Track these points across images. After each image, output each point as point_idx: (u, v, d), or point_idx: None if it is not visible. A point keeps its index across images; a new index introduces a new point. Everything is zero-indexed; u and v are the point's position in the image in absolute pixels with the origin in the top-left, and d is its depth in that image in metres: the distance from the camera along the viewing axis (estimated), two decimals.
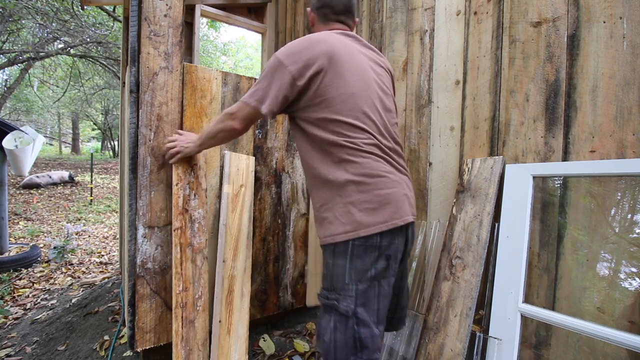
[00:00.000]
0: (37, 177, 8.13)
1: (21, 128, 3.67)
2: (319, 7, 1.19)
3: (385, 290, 1.01)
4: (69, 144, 20.15)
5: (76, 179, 9.37)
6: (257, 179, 1.70)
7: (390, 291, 1.03)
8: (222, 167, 1.56)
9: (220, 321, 1.40)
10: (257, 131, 1.69)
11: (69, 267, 3.61)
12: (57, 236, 4.91)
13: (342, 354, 0.95)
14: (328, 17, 1.18)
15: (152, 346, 1.39)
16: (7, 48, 8.22)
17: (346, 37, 1.11)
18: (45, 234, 5.08)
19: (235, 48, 17.10)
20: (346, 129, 0.99)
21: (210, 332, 1.41)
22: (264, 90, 1.02)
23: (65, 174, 8.90)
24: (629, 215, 1.09)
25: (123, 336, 1.82)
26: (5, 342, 2.04)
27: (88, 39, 7.87)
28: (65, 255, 3.75)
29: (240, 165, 1.57)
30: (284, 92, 1.00)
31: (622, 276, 1.08)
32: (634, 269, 1.05)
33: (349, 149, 0.98)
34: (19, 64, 8.63)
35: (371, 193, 0.97)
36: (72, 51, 8.30)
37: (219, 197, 1.56)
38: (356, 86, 1.01)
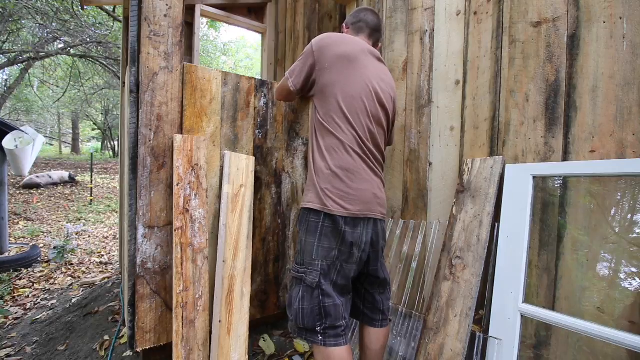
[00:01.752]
0: (37, 177, 8.13)
1: (21, 128, 3.67)
2: (355, 22, 1.41)
3: (345, 273, 1.16)
4: (69, 144, 20.15)
5: (76, 179, 9.37)
6: (257, 179, 1.70)
7: (349, 274, 1.17)
8: (222, 167, 1.56)
9: (220, 321, 1.40)
10: (257, 131, 1.69)
11: (69, 267, 3.61)
12: (57, 236, 4.91)
13: (309, 320, 1.10)
14: (362, 30, 1.39)
15: (152, 346, 1.39)
16: (7, 48, 8.21)
17: (369, 50, 1.30)
18: (45, 234, 5.08)
19: (235, 48, 17.10)
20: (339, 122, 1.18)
21: (210, 332, 1.41)
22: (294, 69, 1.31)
23: (65, 174, 8.90)
24: (629, 215, 1.09)
25: (123, 336, 1.82)
26: (5, 342, 2.04)
27: (88, 39, 7.87)
28: (65, 255, 3.75)
29: (240, 165, 1.57)
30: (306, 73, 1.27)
31: (622, 276, 1.08)
32: (634, 269, 1.05)
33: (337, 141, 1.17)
34: (19, 64, 8.64)
35: (345, 184, 1.14)
36: (72, 51, 8.30)
37: (219, 197, 1.56)
38: (358, 91, 1.20)
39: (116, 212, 6.75)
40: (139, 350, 1.36)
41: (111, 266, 3.68)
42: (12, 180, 8.06)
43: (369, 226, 1.19)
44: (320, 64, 1.21)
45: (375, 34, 1.41)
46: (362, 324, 1.33)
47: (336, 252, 1.13)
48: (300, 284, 1.14)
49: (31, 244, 4.09)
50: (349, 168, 1.15)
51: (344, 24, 1.46)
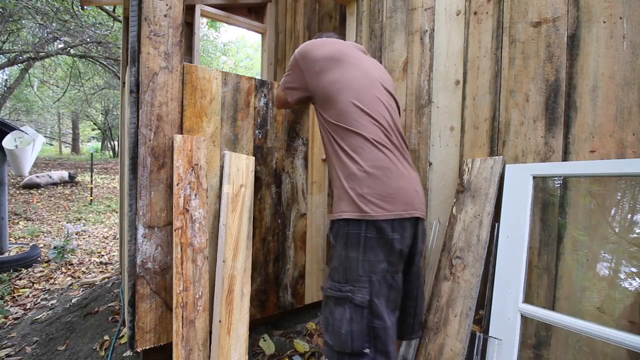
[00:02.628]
0: (37, 177, 8.13)
1: (21, 128, 3.67)
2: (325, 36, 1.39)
3: (397, 284, 1.05)
4: (69, 144, 20.14)
5: (77, 179, 9.36)
6: (257, 179, 1.70)
7: (401, 285, 1.07)
8: (222, 167, 1.56)
9: (220, 321, 1.40)
10: (257, 131, 1.69)
11: (69, 267, 3.61)
12: (57, 236, 4.91)
13: (358, 343, 0.97)
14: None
15: (152, 346, 1.39)
16: (7, 48, 8.21)
17: (353, 45, 1.27)
18: (45, 234, 5.08)
19: (235, 48, 17.10)
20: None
21: (210, 332, 1.41)
22: None
23: (64, 174, 8.90)
24: (629, 215, 1.10)
25: (123, 336, 1.82)
26: (5, 342, 2.04)
27: (88, 39, 7.87)
28: (65, 255, 3.75)
29: (240, 165, 1.57)
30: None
31: (622, 276, 1.09)
32: (634, 269, 1.05)
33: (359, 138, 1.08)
34: (19, 64, 8.63)
35: (384, 184, 1.02)
36: (72, 51, 8.30)
37: (219, 197, 1.56)
38: (363, 83, 1.14)
39: (116, 212, 6.75)
40: (139, 350, 1.35)
41: (111, 266, 3.68)
42: (12, 180, 8.06)
43: (413, 227, 1.08)
44: (310, 71, 1.17)
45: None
46: None
47: (385, 264, 1.01)
48: (345, 304, 1.00)
49: (31, 244, 4.09)
50: (384, 165, 1.04)
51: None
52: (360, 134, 1.06)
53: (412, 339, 1.24)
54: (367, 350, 0.97)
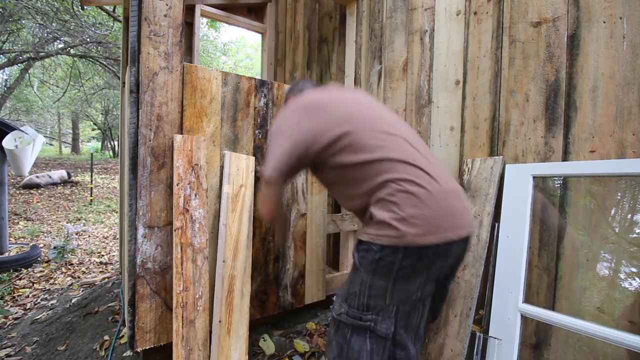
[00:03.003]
0: (37, 177, 8.13)
1: (21, 128, 3.67)
2: (298, 90, 1.30)
3: (425, 310, 0.96)
4: (69, 144, 20.14)
5: (76, 179, 9.36)
6: (257, 179, 1.70)
7: (427, 310, 0.98)
8: (222, 167, 1.56)
9: (220, 321, 1.40)
10: (257, 131, 1.69)
11: (69, 267, 3.61)
12: (57, 236, 4.91)
13: None
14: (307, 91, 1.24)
15: (152, 346, 1.39)
16: (7, 48, 8.21)
17: (324, 89, 1.16)
18: (45, 234, 5.07)
19: (235, 48, 17.09)
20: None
21: (210, 332, 1.41)
22: None
23: (64, 173, 8.90)
24: (629, 215, 1.10)
25: (123, 336, 1.82)
26: (5, 342, 2.04)
27: (88, 39, 7.87)
28: (65, 255, 3.75)
29: (240, 165, 1.57)
30: None
31: (622, 276, 1.09)
32: (634, 269, 1.05)
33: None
34: (19, 64, 8.63)
35: (426, 204, 0.86)
36: (72, 51, 8.29)
37: (219, 197, 1.56)
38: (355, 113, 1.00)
39: (116, 212, 6.75)
40: (139, 350, 1.35)
41: (111, 266, 3.68)
42: (12, 180, 8.06)
43: (460, 247, 0.93)
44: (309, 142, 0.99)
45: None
46: None
47: (419, 293, 0.90)
48: (365, 334, 0.89)
49: (31, 244, 4.09)
50: (423, 183, 0.87)
51: (289, 95, 1.35)
52: (386, 157, 0.91)
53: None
54: None
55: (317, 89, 1.20)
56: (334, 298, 1.03)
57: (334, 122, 0.96)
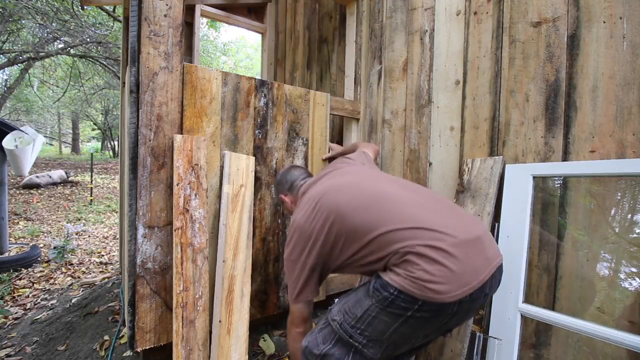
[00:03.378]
0: (37, 177, 8.13)
1: (21, 128, 3.67)
2: (289, 188, 1.33)
3: (420, 342, 0.95)
4: (69, 144, 20.14)
5: (76, 179, 9.36)
6: (257, 179, 1.70)
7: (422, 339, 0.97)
8: (222, 167, 1.56)
9: (220, 321, 1.40)
10: (257, 131, 1.69)
11: (69, 267, 3.61)
12: (57, 236, 4.91)
13: None
14: (297, 188, 1.30)
15: (152, 346, 1.39)
16: (7, 48, 8.21)
17: (314, 181, 1.21)
18: (45, 234, 5.07)
19: (235, 48, 17.10)
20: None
21: (210, 332, 1.41)
22: None
23: (62, 173, 8.90)
24: (629, 215, 1.10)
25: (123, 336, 1.82)
26: (5, 342, 2.04)
27: (88, 39, 7.87)
28: (65, 255, 3.75)
29: (240, 165, 1.57)
30: None
31: (622, 276, 1.09)
32: (634, 269, 1.05)
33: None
34: (19, 64, 8.63)
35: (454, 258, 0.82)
36: (72, 51, 8.30)
37: (219, 197, 1.56)
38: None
39: (116, 212, 6.75)
40: (139, 350, 1.35)
41: (111, 266, 3.68)
42: (12, 180, 8.06)
43: (487, 289, 0.87)
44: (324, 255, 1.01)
45: (309, 176, 1.34)
46: None
47: (421, 340, 0.91)
48: (350, 349, 0.90)
49: (31, 244, 4.09)
50: (435, 244, 0.82)
51: (280, 196, 1.39)
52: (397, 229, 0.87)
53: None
54: None
55: (304, 186, 1.25)
56: (336, 300, 1.03)
57: (330, 239, 0.97)
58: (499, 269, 0.90)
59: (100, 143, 20.05)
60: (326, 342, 0.94)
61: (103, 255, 4.11)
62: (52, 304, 2.61)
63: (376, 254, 0.88)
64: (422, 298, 0.78)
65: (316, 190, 1.10)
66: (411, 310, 0.81)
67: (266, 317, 1.80)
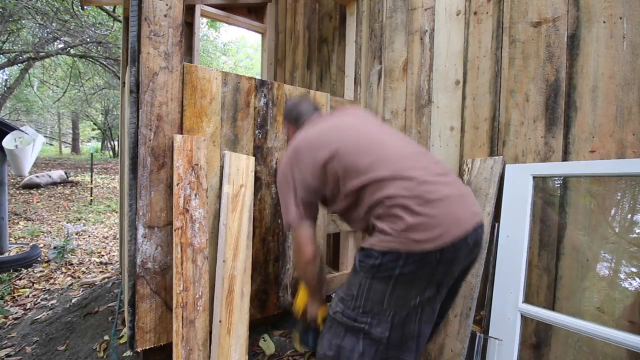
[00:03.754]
0: (37, 177, 8.13)
1: (21, 128, 3.67)
2: (295, 118, 1.30)
3: (429, 317, 0.93)
4: (69, 144, 20.14)
5: (76, 179, 9.36)
6: (257, 179, 1.70)
7: (434, 317, 0.95)
8: (222, 167, 1.56)
9: (220, 321, 1.40)
10: (257, 131, 1.69)
11: (69, 267, 3.61)
12: (57, 236, 4.91)
13: None
14: (303, 120, 1.27)
15: (152, 346, 1.39)
16: (7, 48, 8.21)
17: (329, 117, 1.18)
18: (45, 234, 5.07)
19: (235, 48, 17.09)
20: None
21: (210, 332, 1.41)
22: None
23: (62, 173, 8.90)
24: (629, 215, 1.10)
25: (123, 336, 1.82)
26: (5, 342, 2.04)
27: (88, 39, 7.87)
28: (65, 255, 3.75)
29: (240, 165, 1.57)
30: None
31: (622, 276, 1.09)
32: (634, 269, 1.05)
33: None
34: (19, 64, 8.63)
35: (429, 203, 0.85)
36: (72, 51, 8.30)
37: (219, 197, 1.56)
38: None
39: (116, 212, 6.75)
40: (139, 350, 1.35)
41: (111, 266, 3.68)
42: (12, 180, 8.06)
43: (471, 241, 0.87)
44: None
45: (316, 111, 1.30)
46: None
47: (418, 299, 0.88)
48: (359, 336, 0.89)
49: (31, 244, 4.09)
50: (419, 193, 0.86)
51: (285, 122, 1.37)
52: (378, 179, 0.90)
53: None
54: None
55: (311, 119, 1.24)
56: (333, 296, 1.02)
57: (329, 166, 0.98)
58: (482, 227, 0.92)
59: (100, 143, 20.05)
60: (336, 338, 0.93)
61: (103, 255, 4.11)
62: (52, 304, 2.61)
63: (365, 204, 0.92)
64: (405, 250, 0.82)
65: (323, 124, 1.12)
66: (398, 268, 0.83)
67: (266, 317, 1.80)
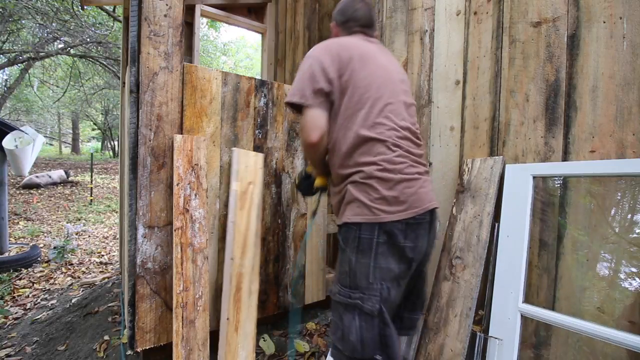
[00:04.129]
0: (37, 177, 8.12)
1: (21, 128, 3.67)
2: (344, 21, 1.24)
3: (402, 291, 1.04)
4: (69, 144, 20.14)
5: (76, 179, 9.36)
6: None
7: (404, 287, 1.06)
8: (230, 164, 1.56)
9: (228, 319, 1.40)
10: (257, 131, 1.69)
11: (69, 267, 3.60)
12: (57, 236, 4.91)
13: (369, 350, 0.96)
14: (352, 30, 1.22)
15: (152, 346, 1.39)
16: (7, 48, 8.21)
17: (369, 42, 1.18)
18: (45, 234, 5.07)
19: (235, 48, 17.10)
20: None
21: (210, 332, 1.41)
22: None
23: (62, 173, 8.90)
24: (629, 215, 1.10)
25: (125, 335, 1.82)
26: (5, 342, 2.04)
27: (88, 39, 7.87)
28: (65, 255, 3.75)
29: (249, 162, 1.57)
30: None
31: (622, 276, 1.09)
32: (634, 269, 1.06)
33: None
34: (19, 64, 8.63)
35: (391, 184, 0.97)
36: (72, 51, 8.30)
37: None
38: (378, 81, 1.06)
39: (116, 212, 6.75)
40: (139, 350, 1.35)
41: (111, 266, 3.68)
42: (12, 180, 8.06)
43: (429, 223, 1.03)
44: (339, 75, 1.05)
45: (369, 29, 1.23)
46: None
47: (396, 272, 0.98)
48: (354, 311, 0.97)
49: (31, 244, 4.08)
50: (397, 168, 0.99)
51: (332, 22, 1.30)
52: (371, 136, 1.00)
53: (402, 335, 1.20)
54: (378, 357, 0.96)
55: (354, 33, 1.22)
56: (333, 282, 1.09)
57: (349, 77, 1.03)
58: (436, 211, 1.08)
59: (100, 143, 20.05)
60: (340, 320, 1.01)
61: (103, 255, 4.11)
62: (52, 304, 2.61)
63: (349, 161, 1.02)
64: (376, 221, 0.95)
65: (362, 42, 1.14)
66: (374, 238, 0.96)
67: (266, 317, 1.80)
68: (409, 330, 1.20)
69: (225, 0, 3.37)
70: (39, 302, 2.70)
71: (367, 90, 1.03)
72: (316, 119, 1.04)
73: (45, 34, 8.06)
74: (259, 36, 3.78)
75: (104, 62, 8.64)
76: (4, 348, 1.95)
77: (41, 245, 4.31)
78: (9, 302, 2.73)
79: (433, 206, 1.03)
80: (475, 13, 1.52)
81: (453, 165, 1.59)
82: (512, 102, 1.36)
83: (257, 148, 1.69)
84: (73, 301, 2.54)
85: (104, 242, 4.81)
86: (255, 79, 1.68)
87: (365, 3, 1.25)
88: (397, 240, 0.96)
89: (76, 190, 8.44)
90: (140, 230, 1.35)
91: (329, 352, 1.09)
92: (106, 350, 1.73)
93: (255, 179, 1.58)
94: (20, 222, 5.60)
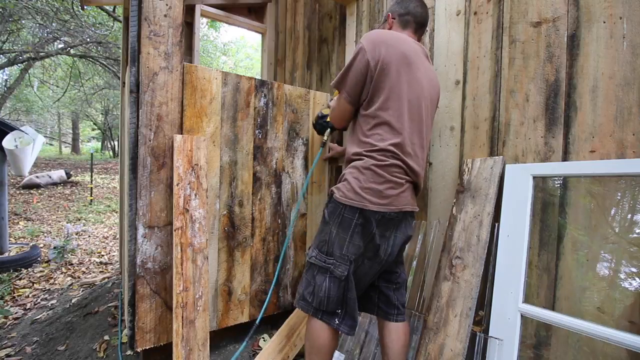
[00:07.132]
0: (37, 177, 8.12)
1: (21, 128, 3.67)
2: (402, 14, 1.33)
3: (372, 269, 1.23)
4: (69, 144, 20.14)
5: (76, 179, 9.36)
6: (257, 179, 1.70)
7: (372, 272, 1.24)
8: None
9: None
10: (257, 131, 1.69)
11: (69, 267, 3.61)
12: (57, 236, 4.91)
13: (333, 305, 1.17)
14: (408, 25, 1.33)
15: (152, 346, 1.39)
16: (7, 48, 8.21)
17: (421, 50, 1.28)
18: (45, 234, 5.07)
19: (235, 48, 17.10)
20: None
21: (210, 332, 1.41)
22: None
23: (62, 173, 8.89)
24: (629, 215, 1.10)
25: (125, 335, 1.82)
26: (5, 342, 2.04)
27: (88, 39, 7.87)
28: (65, 255, 3.75)
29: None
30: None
31: (622, 276, 1.09)
32: (634, 269, 1.05)
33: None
34: (19, 64, 8.64)
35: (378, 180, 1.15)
36: (72, 51, 8.30)
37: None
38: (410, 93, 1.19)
39: (116, 212, 6.75)
40: (138, 350, 1.36)
41: (111, 266, 3.68)
42: (12, 180, 8.06)
43: (399, 223, 1.21)
44: (377, 66, 1.15)
45: (420, 30, 1.35)
46: (378, 319, 1.35)
47: (363, 250, 1.17)
48: (326, 274, 1.17)
49: (31, 244, 4.08)
50: (394, 171, 1.17)
51: (389, 13, 1.36)
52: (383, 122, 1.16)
53: (392, 321, 1.30)
54: (339, 311, 1.17)
55: (407, 31, 1.32)
56: (310, 247, 1.30)
57: (381, 77, 1.16)
58: (409, 213, 1.24)
59: (100, 143, 20.04)
60: (311, 277, 1.21)
61: (103, 255, 4.11)
62: (52, 304, 2.61)
63: (360, 141, 1.20)
64: (359, 207, 1.13)
65: (411, 44, 1.22)
66: (354, 220, 1.14)
67: (266, 317, 1.80)
68: (387, 305, 1.31)
69: (225, 0, 3.37)
70: (39, 302, 2.70)
71: (398, 99, 1.16)
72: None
73: (45, 34, 8.06)
74: (259, 36, 3.78)
75: (104, 62, 8.65)
76: (4, 348, 1.95)
77: (41, 245, 4.31)
78: (9, 302, 2.73)
79: (407, 209, 1.20)
80: (475, 13, 1.52)
81: (453, 166, 1.59)
82: (512, 102, 1.36)
83: (257, 148, 1.69)
84: (73, 301, 2.54)
85: (104, 242, 4.81)
86: (255, 79, 1.68)
87: (423, 3, 1.36)
88: (371, 227, 1.14)
89: (76, 190, 8.44)
90: (140, 230, 1.35)
91: (295, 301, 1.30)
92: (106, 350, 1.73)
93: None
94: (20, 222, 5.60)
